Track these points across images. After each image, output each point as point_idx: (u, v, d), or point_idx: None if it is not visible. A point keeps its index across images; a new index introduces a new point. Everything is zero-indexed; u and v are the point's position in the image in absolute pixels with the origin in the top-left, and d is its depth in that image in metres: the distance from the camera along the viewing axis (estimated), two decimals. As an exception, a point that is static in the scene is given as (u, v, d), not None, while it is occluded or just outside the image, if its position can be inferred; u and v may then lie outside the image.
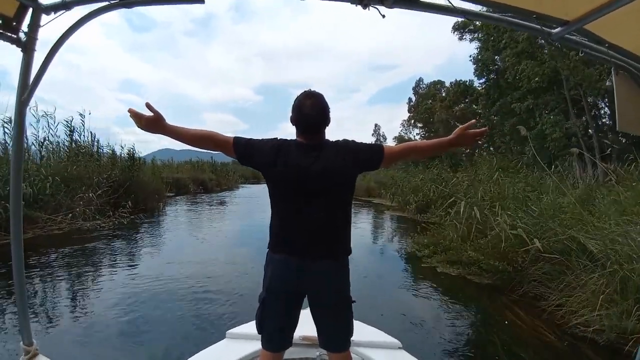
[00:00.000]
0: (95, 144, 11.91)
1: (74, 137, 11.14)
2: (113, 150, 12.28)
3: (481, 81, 18.17)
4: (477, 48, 17.03)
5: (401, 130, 34.04)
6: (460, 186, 8.47)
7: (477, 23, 14.23)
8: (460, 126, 1.33)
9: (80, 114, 11.29)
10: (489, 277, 4.80)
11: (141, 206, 10.90)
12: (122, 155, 12.33)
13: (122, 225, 8.70)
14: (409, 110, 32.25)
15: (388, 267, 6.23)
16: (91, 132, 11.79)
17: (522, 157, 11.09)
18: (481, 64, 16.49)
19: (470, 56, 17.23)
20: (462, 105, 23.19)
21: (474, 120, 1.35)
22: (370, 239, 8.61)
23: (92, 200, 8.97)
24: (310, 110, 1.29)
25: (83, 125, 11.40)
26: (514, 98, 14.34)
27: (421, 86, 31.70)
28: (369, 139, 38.65)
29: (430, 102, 27.99)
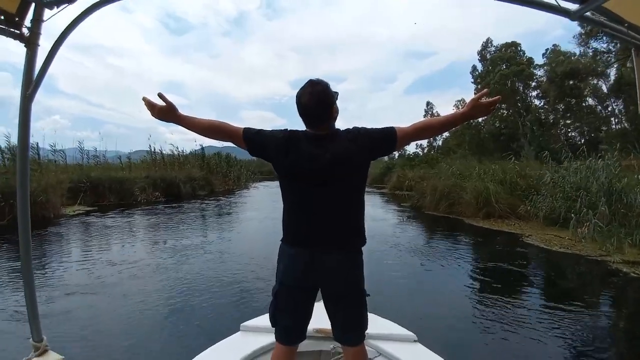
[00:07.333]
0: None
1: None
2: None
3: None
4: None
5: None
6: None
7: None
8: (472, 97, 1.29)
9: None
10: None
11: None
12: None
13: None
14: (475, 82, 25.67)
15: None
16: None
17: None
18: None
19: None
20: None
21: (486, 90, 1.31)
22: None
23: None
24: (309, 101, 1.24)
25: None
26: None
27: (489, 50, 25.63)
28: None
29: (505, 66, 23.18)
